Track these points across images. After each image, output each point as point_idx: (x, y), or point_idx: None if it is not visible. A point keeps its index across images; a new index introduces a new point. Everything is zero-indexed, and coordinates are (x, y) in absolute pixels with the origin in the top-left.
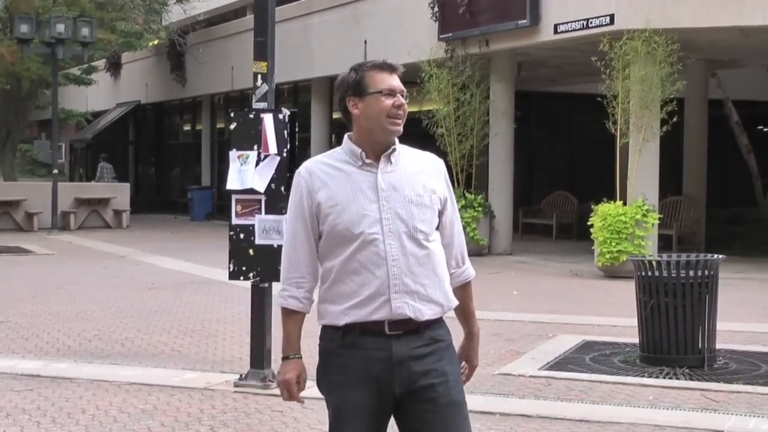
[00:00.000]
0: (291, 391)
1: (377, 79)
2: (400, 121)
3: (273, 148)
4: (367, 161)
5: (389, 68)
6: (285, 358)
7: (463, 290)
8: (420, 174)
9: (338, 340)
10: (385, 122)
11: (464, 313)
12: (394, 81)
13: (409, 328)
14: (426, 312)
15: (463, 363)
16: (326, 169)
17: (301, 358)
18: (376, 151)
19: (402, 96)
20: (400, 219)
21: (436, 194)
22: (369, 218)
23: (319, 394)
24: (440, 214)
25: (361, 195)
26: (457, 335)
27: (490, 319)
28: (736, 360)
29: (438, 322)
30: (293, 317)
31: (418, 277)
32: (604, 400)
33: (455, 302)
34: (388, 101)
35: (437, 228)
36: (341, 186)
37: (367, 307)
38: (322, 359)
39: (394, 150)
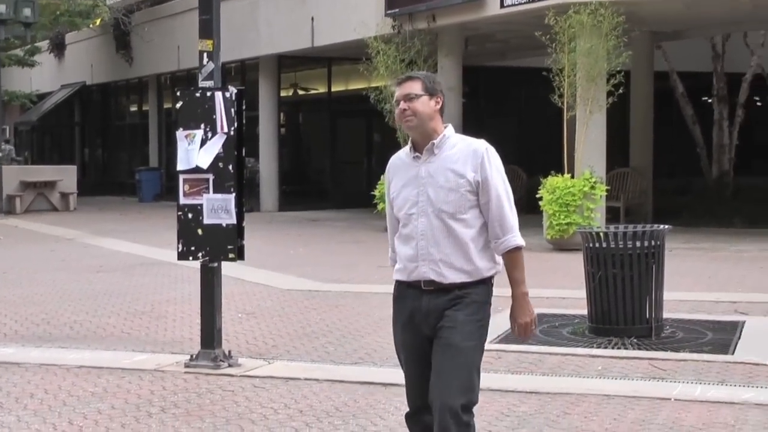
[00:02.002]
0: None
1: (396, 92)
2: (408, 121)
3: (225, 126)
4: (415, 155)
5: (400, 80)
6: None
7: (506, 258)
8: (456, 162)
9: (395, 291)
10: (402, 124)
11: (510, 278)
12: (401, 90)
13: (439, 286)
14: (449, 276)
15: (513, 322)
16: (396, 161)
17: None
18: (420, 146)
19: (408, 101)
20: (429, 201)
21: (465, 179)
22: (410, 201)
23: (271, 373)
24: (475, 194)
25: (409, 182)
26: None
27: None
28: (683, 329)
29: (472, 284)
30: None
31: (443, 248)
32: (553, 372)
33: (490, 270)
34: (397, 109)
35: (477, 207)
36: (402, 175)
37: (407, 270)
38: (392, 303)
39: (434, 143)
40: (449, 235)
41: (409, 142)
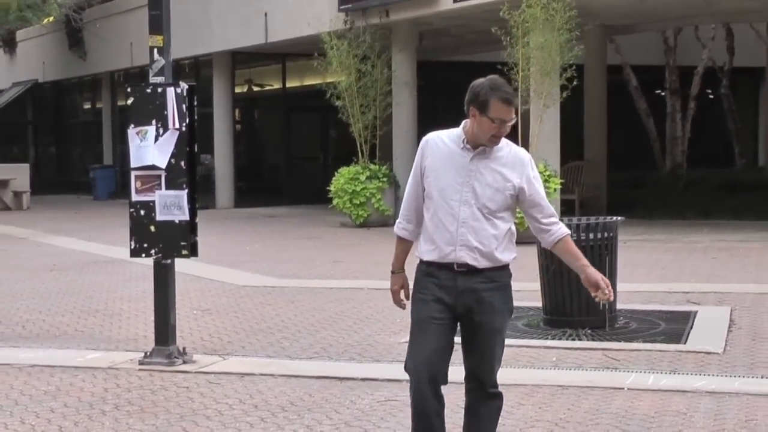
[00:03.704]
0: (395, 297)
1: (498, 109)
2: (499, 140)
3: (177, 122)
4: (467, 146)
5: (509, 102)
6: (392, 273)
7: (562, 243)
8: (504, 166)
9: (423, 270)
10: (489, 139)
11: (571, 258)
12: (509, 114)
13: (472, 269)
14: (482, 262)
15: (593, 286)
16: (439, 143)
17: (404, 272)
18: (476, 143)
19: (509, 123)
20: (474, 194)
21: (511, 183)
22: (453, 188)
23: (226, 369)
24: (518, 198)
25: (454, 169)
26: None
27: None
28: (636, 319)
29: (499, 269)
30: (402, 243)
31: (481, 237)
32: (508, 363)
33: (510, 258)
34: (497, 127)
35: (510, 208)
36: (443, 158)
37: (441, 252)
38: (415, 281)
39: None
40: (488, 227)
41: (460, 131)
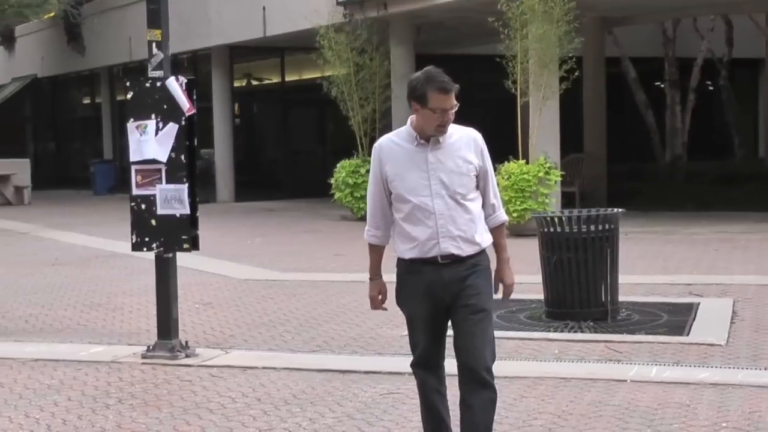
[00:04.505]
0: (375, 303)
1: (436, 99)
2: (445, 128)
3: (186, 104)
4: (421, 142)
5: (446, 90)
6: (370, 279)
7: (496, 230)
8: (460, 149)
9: (406, 269)
10: (435, 130)
11: (497, 246)
12: (448, 102)
13: (455, 259)
14: (466, 249)
15: (499, 283)
16: (393, 146)
17: (381, 278)
18: (427, 136)
19: (452, 111)
20: (443, 184)
21: (472, 164)
22: (420, 184)
23: (229, 363)
24: (478, 178)
25: (415, 166)
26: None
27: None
28: (638, 311)
29: (479, 254)
30: (375, 249)
31: (459, 225)
32: (510, 356)
33: (489, 241)
34: (439, 117)
35: (477, 188)
36: (402, 160)
37: (424, 248)
38: (398, 282)
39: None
40: (463, 213)
41: (408, 130)
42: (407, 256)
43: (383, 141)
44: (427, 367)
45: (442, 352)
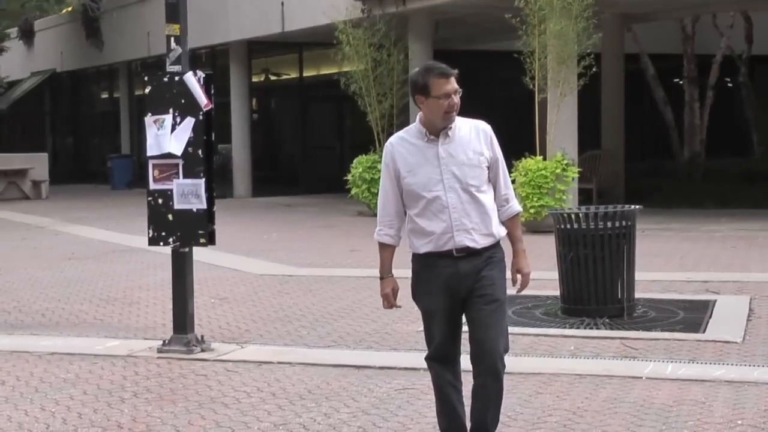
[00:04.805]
0: (389, 301)
1: (438, 85)
2: (452, 114)
3: (203, 100)
4: (431, 137)
5: (446, 75)
6: (381, 278)
7: (510, 221)
8: (470, 141)
9: (421, 263)
10: (443, 117)
11: (512, 237)
12: (450, 86)
13: (471, 252)
14: (481, 241)
15: (517, 274)
16: (404, 143)
17: (392, 276)
18: (436, 130)
19: (455, 95)
20: (455, 177)
21: (483, 156)
22: (433, 180)
23: (244, 357)
24: (489, 169)
25: (427, 162)
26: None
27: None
28: (654, 308)
29: (494, 246)
30: (386, 248)
31: (473, 217)
32: (526, 352)
33: (504, 233)
34: (444, 102)
35: (489, 180)
36: (413, 156)
37: (439, 241)
38: (413, 277)
39: (450, 127)
40: (477, 205)
41: (417, 127)
42: (422, 250)
43: (393, 139)
44: (443, 361)
45: (458, 346)
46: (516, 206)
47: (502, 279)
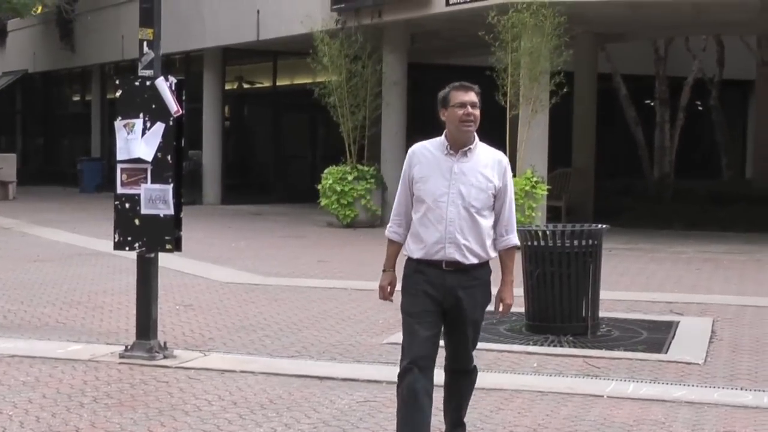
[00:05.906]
0: (384, 293)
1: (456, 96)
2: (469, 125)
3: (173, 106)
4: (450, 152)
5: (465, 88)
6: (384, 271)
7: (505, 252)
8: (485, 167)
9: (413, 268)
10: (460, 126)
11: (503, 267)
12: (467, 97)
13: (459, 267)
14: (470, 258)
15: (500, 302)
16: (425, 152)
17: (394, 271)
18: (457, 146)
19: (472, 107)
20: (460, 195)
21: (492, 183)
22: (440, 190)
23: (207, 365)
24: (496, 197)
25: (440, 173)
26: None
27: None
28: (618, 327)
29: (482, 266)
30: (393, 245)
31: (467, 235)
32: (489, 368)
33: (493, 255)
34: (460, 111)
35: (493, 208)
36: (430, 165)
37: (431, 250)
38: (403, 279)
39: (470, 148)
40: (474, 225)
41: (441, 139)
42: (415, 255)
43: (417, 147)
44: (421, 364)
45: (436, 351)
46: (514, 239)
47: (485, 301)
